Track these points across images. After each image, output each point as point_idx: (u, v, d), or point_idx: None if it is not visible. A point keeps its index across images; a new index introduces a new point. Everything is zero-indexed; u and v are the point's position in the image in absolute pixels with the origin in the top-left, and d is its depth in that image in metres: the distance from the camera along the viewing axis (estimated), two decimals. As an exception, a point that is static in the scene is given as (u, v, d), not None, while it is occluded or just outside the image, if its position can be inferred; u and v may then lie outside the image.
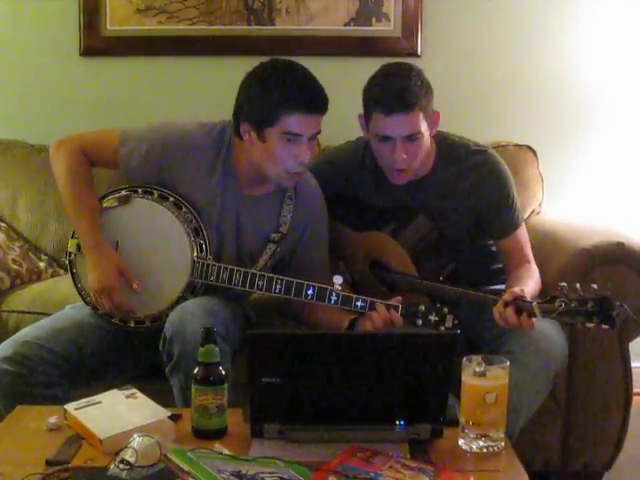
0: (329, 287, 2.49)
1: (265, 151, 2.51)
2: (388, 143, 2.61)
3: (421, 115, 2.57)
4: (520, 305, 2.36)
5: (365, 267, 2.86)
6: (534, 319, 2.35)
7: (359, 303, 2.48)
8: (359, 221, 2.87)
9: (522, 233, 2.77)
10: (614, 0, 3.69)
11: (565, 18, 3.71)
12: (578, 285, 2.24)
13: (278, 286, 2.52)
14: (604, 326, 2.22)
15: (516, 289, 2.42)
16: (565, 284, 2.26)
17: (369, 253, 2.85)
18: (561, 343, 2.57)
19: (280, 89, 2.45)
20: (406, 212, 2.79)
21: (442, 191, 2.76)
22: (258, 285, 2.53)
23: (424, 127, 2.59)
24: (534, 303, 2.33)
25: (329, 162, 2.96)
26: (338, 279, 2.49)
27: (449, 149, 2.77)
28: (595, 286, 2.23)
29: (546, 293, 2.43)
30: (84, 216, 2.60)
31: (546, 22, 3.72)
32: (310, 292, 2.50)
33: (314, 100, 2.48)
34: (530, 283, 2.58)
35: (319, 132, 2.54)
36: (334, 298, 2.49)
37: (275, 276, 2.53)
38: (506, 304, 2.38)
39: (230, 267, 2.55)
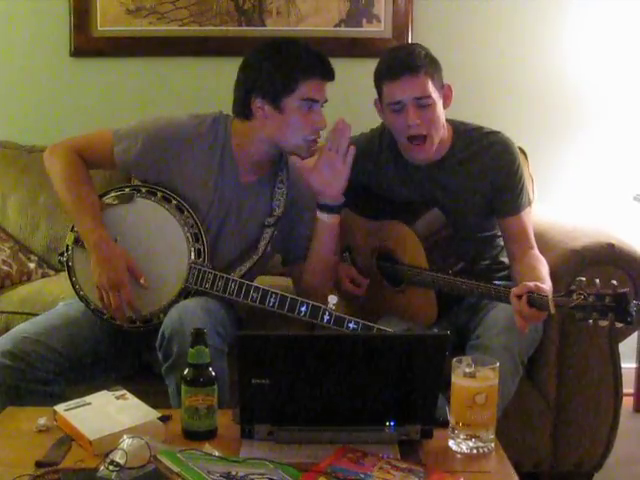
0: (323, 306, 2.48)
1: (283, 122, 2.55)
2: (401, 113, 2.65)
3: (429, 81, 2.64)
4: (534, 298, 2.30)
5: (372, 259, 2.87)
6: (544, 312, 2.30)
7: (351, 325, 2.46)
8: (373, 210, 2.88)
9: (527, 216, 2.78)
10: (603, 4, 3.71)
11: (554, 22, 3.73)
12: (597, 280, 2.20)
13: (272, 300, 2.51)
14: (618, 324, 2.17)
15: (531, 284, 2.35)
16: (584, 279, 2.22)
17: (378, 244, 2.85)
18: None
19: (295, 58, 2.53)
20: (421, 203, 2.80)
21: (460, 170, 2.77)
22: (252, 297, 2.52)
23: (435, 95, 2.65)
24: (549, 297, 2.26)
25: None
26: (333, 299, 2.47)
27: (465, 132, 2.81)
28: (615, 282, 2.19)
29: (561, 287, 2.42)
30: (86, 214, 2.59)
31: (536, 25, 3.73)
32: (303, 309, 2.49)
33: (326, 66, 2.57)
34: (544, 272, 2.56)
35: (327, 100, 2.60)
36: (327, 317, 2.47)
37: (270, 289, 2.52)
38: (519, 297, 2.33)
39: (226, 276, 2.54)
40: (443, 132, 2.74)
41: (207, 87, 3.72)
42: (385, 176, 2.85)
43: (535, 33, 3.74)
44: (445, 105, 2.74)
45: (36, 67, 3.79)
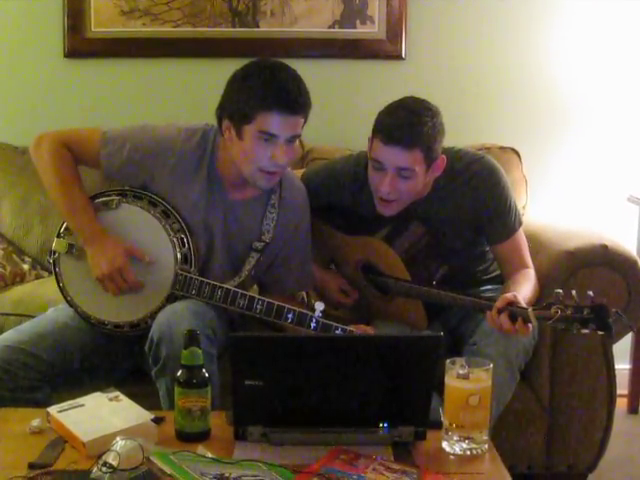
0: (309, 313, 2.47)
1: (241, 149, 2.49)
2: (379, 172, 2.59)
3: (420, 155, 2.53)
4: (515, 311, 2.34)
5: (357, 271, 2.85)
6: (530, 325, 2.33)
7: (339, 332, 2.45)
8: (352, 227, 2.85)
9: (520, 237, 2.74)
10: (594, 10, 3.72)
11: (547, 25, 3.74)
12: (574, 292, 2.22)
13: (259, 306, 2.51)
14: (600, 333, 2.21)
15: (509, 295, 2.39)
16: (561, 291, 2.24)
17: (361, 257, 2.84)
18: None
19: (259, 87, 2.43)
20: (401, 219, 2.75)
21: (441, 206, 2.73)
22: (239, 303, 2.51)
23: (420, 167, 2.55)
24: (529, 309, 2.30)
25: (330, 174, 2.89)
26: (320, 306, 2.47)
27: (450, 166, 2.70)
28: (591, 293, 2.21)
29: (542, 300, 2.43)
30: (79, 210, 2.57)
31: (530, 27, 3.74)
32: (290, 316, 2.48)
33: (292, 101, 2.43)
34: (525, 286, 2.57)
35: (298, 135, 2.51)
36: (313, 325, 2.47)
37: (257, 296, 2.53)
38: (499, 311, 2.36)
39: (212, 283, 2.53)
40: (416, 189, 2.64)
41: (200, 88, 3.71)
42: (366, 203, 2.75)
43: (529, 35, 3.74)
44: (429, 175, 2.63)
45: (30, 68, 3.79)
